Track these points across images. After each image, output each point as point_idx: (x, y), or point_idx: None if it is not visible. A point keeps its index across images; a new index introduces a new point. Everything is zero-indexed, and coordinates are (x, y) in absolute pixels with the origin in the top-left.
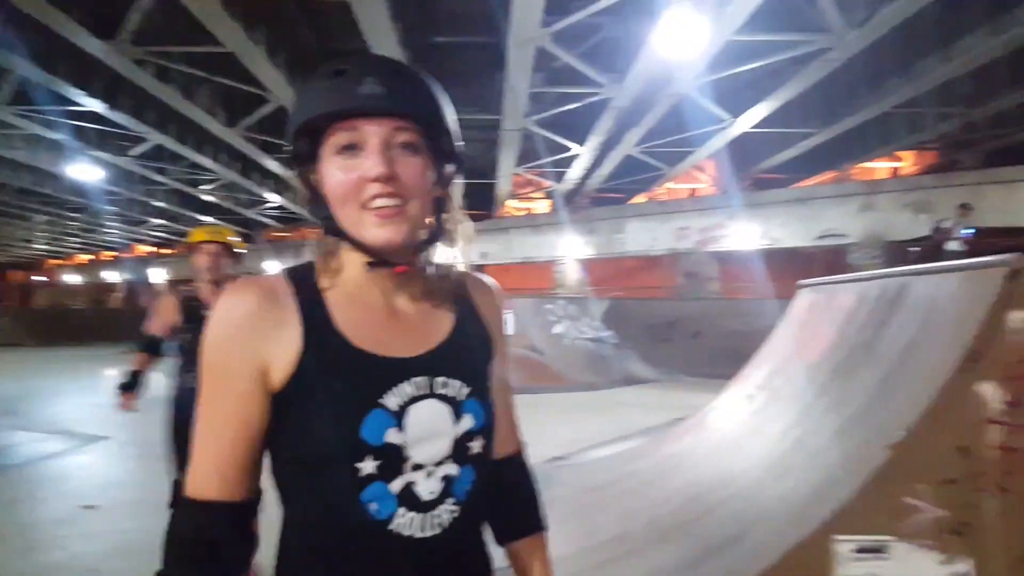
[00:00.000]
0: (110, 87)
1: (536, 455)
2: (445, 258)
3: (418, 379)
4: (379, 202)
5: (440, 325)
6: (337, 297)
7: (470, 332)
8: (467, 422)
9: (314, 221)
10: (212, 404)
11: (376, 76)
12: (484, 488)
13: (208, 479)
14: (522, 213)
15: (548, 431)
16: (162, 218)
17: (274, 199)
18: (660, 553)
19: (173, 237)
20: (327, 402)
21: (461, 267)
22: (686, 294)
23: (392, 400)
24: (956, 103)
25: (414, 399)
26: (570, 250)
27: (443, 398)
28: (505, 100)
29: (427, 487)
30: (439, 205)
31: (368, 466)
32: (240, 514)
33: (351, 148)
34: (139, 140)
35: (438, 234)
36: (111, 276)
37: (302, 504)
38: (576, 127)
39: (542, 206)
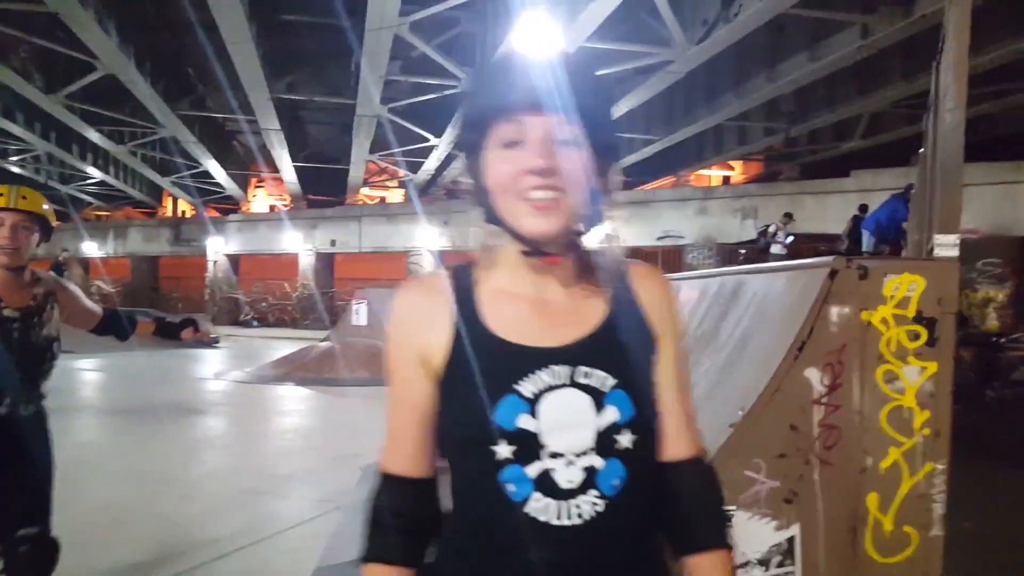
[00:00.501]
0: None
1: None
2: (603, 247)
3: (558, 368)
4: (537, 194)
5: (590, 315)
6: (489, 287)
7: (625, 322)
8: (611, 414)
9: (477, 209)
10: (390, 390)
11: (541, 71)
12: (641, 487)
13: (391, 455)
14: (375, 201)
15: None
16: None
17: (95, 174)
18: None
19: None
20: (468, 388)
21: (623, 256)
22: None
23: (527, 387)
24: (780, 119)
25: (551, 387)
26: (425, 241)
27: (584, 388)
28: (360, 85)
29: (566, 475)
30: (595, 197)
31: (504, 450)
32: (420, 488)
33: (515, 140)
34: None
35: (592, 225)
36: None
37: (458, 480)
38: (434, 118)
39: (396, 195)
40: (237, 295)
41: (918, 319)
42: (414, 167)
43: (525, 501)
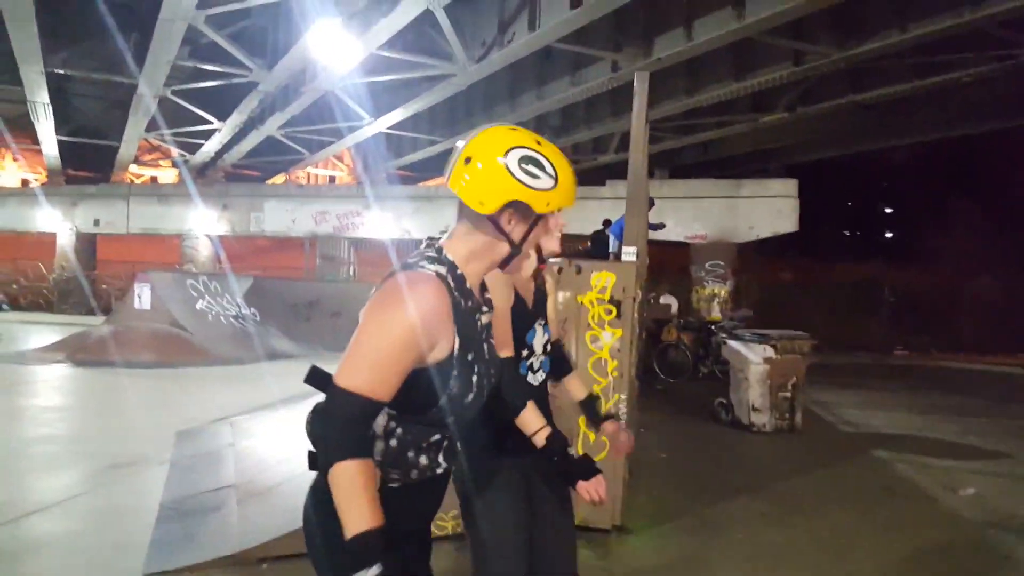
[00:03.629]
0: None
1: (199, 418)
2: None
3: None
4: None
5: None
6: None
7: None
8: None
9: None
10: None
11: None
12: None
13: None
14: (142, 180)
15: (203, 398)
16: None
17: None
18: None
19: None
20: None
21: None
22: (325, 276)
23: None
24: (547, 132)
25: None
26: (202, 225)
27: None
28: (145, 67)
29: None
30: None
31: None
32: None
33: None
34: None
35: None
36: None
37: None
38: (218, 101)
39: (169, 175)
40: None
41: (611, 301)
42: (192, 148)
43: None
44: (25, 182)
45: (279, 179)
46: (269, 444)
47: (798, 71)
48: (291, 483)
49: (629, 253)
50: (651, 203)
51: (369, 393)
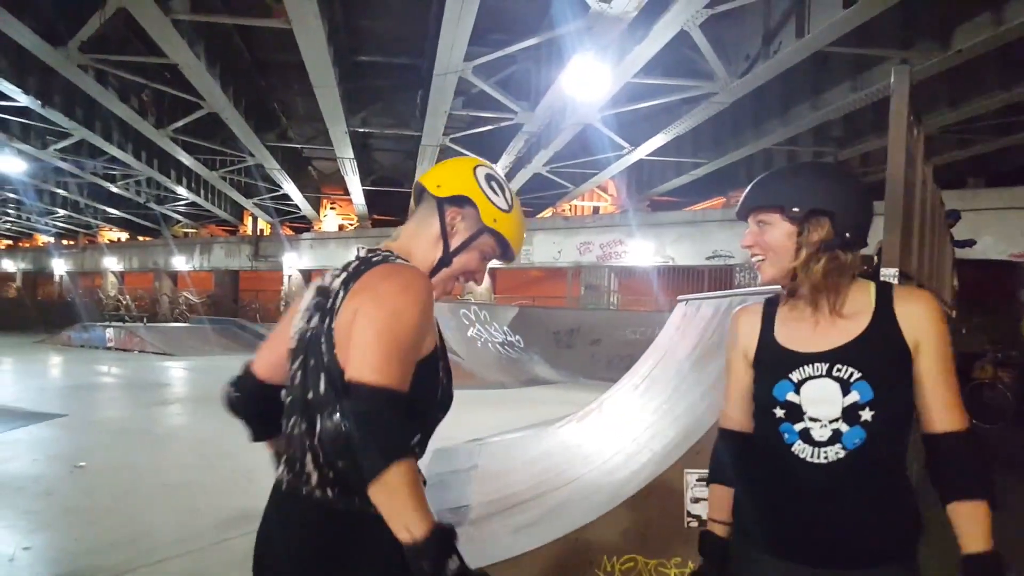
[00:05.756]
0: (43, 84)
1: (457, 437)
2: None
3: (818, 364)
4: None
5: (850, 329)
6: (784, 311)
7: (879, 334)
8: (853, 396)
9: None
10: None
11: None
12: (881, 446)
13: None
14: None
15: (466, 420)
16: (67, 209)
17: (186, 196)
18: (566, 489)
19: (76, 228)
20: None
21: (896, 282)
22: (587, 304)
23: (795, 375)
24: (828, 143)
25: (811, 377)
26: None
27: (836, 379)
28: (426, 120)
29: (819, 433)
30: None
31: (779, 412)
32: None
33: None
34: (64, 135)
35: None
36: (6, 265)
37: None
38: (490, 145)
39: None
40: None
41: None
42: None
43: (792, 444)
44: (341, 227)
45: (546, 213)
46: (511, 466)
47: None
48: (526, 505)
49: (889, 276)
50: (955, 217)
51: (399, 387)
